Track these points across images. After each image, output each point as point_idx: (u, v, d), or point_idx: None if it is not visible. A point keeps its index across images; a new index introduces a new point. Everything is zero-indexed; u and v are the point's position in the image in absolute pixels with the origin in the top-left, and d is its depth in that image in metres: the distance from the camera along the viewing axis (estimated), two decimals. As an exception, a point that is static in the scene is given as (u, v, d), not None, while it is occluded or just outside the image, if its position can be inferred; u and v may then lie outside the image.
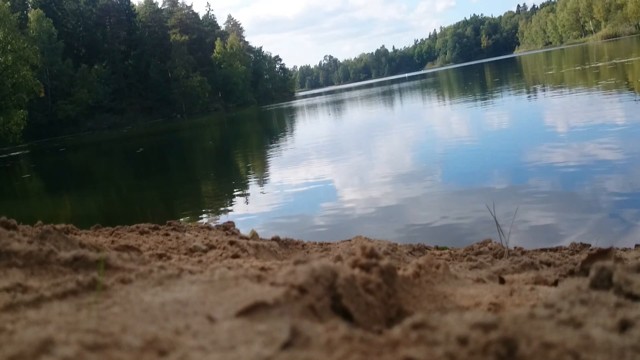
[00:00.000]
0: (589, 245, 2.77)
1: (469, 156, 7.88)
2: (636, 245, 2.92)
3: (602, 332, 0.58)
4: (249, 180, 9.32)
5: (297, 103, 49.73)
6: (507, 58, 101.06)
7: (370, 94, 39.98)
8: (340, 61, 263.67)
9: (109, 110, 67.59)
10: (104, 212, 8.37)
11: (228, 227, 2.62)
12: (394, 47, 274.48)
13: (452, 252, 2.64)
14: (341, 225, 5.06)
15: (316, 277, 0.79)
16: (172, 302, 0.78)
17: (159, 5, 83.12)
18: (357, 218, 5.29)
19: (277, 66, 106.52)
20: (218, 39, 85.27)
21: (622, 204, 4.33)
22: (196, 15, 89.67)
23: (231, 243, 1.93)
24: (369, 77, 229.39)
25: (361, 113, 23.32)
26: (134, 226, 2.34)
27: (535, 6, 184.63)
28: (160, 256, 1.60)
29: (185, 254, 1.84)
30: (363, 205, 5.74)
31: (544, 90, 17.40)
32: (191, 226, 2.60)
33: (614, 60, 25.15)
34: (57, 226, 1.93)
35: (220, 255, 1.78)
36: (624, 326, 0.61)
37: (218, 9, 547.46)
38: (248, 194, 7.86)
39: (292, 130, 20.19)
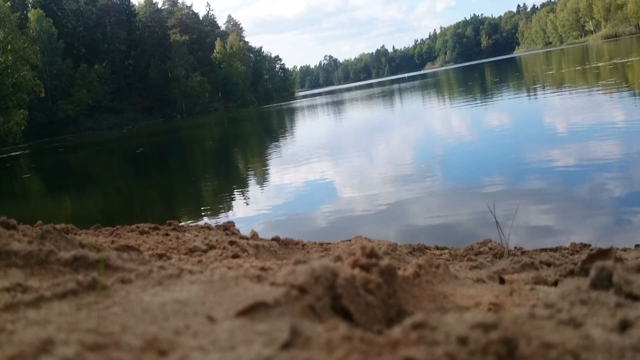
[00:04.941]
0: (589, 245, 2.77)
1: (469, 156, 7.88)
2: (636, 245, 2.92)
3: (602, 332, 0.58)
4: (249, 180, 9.32)
5: (297, 103, 49.74)
6: (507, 58, 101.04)
7: (370, 94, 39.98)
8: (340, 61, 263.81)
9: (109, 110, 67.60)
10: (104, 212, 8.36)
11: (228, 227, 2.62)
12: (394, 47, 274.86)
13: (452, 252, 2.64)
14: (341, 225, 5.06)
15: (316, 277, 0.79)
16: (172, 302, 0.78)
17: (159, 5, 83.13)
18: (357, 218, 5.29)
19: (277, 66, 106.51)
20: (218, 39, 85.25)
21: (622, 204, 4.33)
22: (196, 15, 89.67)
23: (231, 243, 1.93)
24: (369, 77, 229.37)
25: (361, 113, 23.32)
26: (134, 226, 2.34)
27: (535, 6, 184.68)
28: (160, 256, 1.60)
29: (185, 254, 1.84)
30: (363, 205, 5.74)
31: (544, 91, 17.41)
32: (191, 226, 2.61)
33: (614, 61, 25.15)
34: (57, 226, 1.93)
35: (220, 255, 1.78)
36: (624, 326, 0.61)
37: (218, 9, 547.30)
38: (248, 194, 7.86)
39: (292, 131, 20.20)
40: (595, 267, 0.79)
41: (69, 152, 27.20)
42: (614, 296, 0.72)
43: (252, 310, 0.70)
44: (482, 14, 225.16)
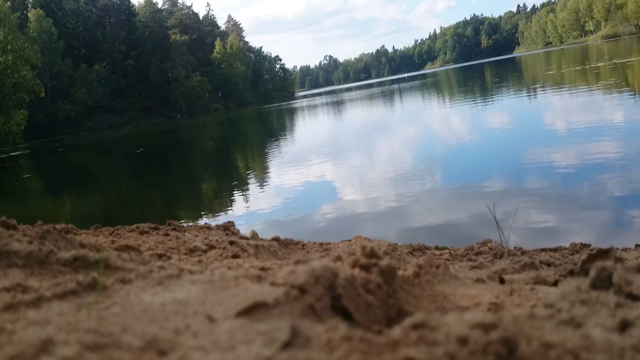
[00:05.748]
0: (589, 245, 2.77)
1: (469, 156, 7.88)
2: (636, 245, 2.91)
3: (602, 332, 0.58)
4: (249, 180, 9.32)
5: (297, 103, 49.73)
6: (507, 58, 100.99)
7: (370, 94, 39.98)
8: (340, 61, 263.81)
9: (109, 110, 67.61)
10: (104, 212, 8.36)
11: (228, 227, 2.62)
12: (394, 47, 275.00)
13: (452, 252, 2.64)
14: (341, 225, 5.06)
15: (316, 277, 0.79)
16: (172, 302, 0.78)
17: (159, 5, 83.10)
18: (357, 218, 5.28)
19: (277, 66, 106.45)
20: (218, 39, 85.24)
21: (622, 203, 4.33)
22: (196, 15, 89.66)
23: (231, 243, 1.93)
24: (369, 77, 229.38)
25: (361, 113, 23.32)
26: (134, 226, 2.34)
27: (535, 6, 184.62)
28: (160, 256, 1.60)
29: (185, 254, 1.84)
30: (363, 205, 5.73)
31: (544, 91, 17.40)
32: (191, 226, 2.60)
33: (614, 61, 25.14)
34: (57, 226, 1.93)
35: (220, 255, 1.78)
36: (624, 326, 0.61)
37: (218, 9, 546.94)
38: (248, 194, 7.86)
39: (292, 131, 20.20)
40: (595, 267, 0.79)
41: (68, 152, 27.20)
42: (614, 296, 0.72)
43: (252, 310, 0.70)
44: (482, 14, 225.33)
